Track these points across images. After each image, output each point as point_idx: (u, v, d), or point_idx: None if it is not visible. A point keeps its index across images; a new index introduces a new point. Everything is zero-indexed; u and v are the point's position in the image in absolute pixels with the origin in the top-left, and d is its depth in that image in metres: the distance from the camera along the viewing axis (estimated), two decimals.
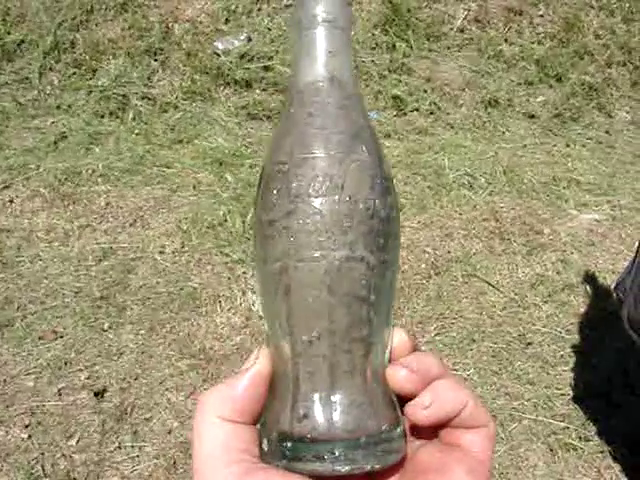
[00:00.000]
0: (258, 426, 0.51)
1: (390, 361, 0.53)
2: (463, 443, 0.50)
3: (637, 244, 1.79)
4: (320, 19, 0.53)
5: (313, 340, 0.49)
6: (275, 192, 0.50)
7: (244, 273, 2.95)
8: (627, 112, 4.65)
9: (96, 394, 2.41)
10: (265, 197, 0.51)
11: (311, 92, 0.52)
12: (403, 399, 0.51)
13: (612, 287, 1.95)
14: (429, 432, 0.52)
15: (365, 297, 0.50)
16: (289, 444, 0.49)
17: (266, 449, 0.50)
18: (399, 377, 0.50)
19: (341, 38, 0.54)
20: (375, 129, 0.54)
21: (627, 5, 4.94)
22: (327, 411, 0.49)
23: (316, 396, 0.50)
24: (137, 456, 2.20)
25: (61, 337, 2.65)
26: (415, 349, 0.53)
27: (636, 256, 1.75)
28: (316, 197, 0.49)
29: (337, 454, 0.48)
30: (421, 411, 0.49)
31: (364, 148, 0.51)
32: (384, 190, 0.51)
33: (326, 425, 0.49)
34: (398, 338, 0.53)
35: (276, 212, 0.50)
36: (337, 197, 0.49)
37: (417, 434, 0.53)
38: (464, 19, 5.06)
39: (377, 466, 0.49)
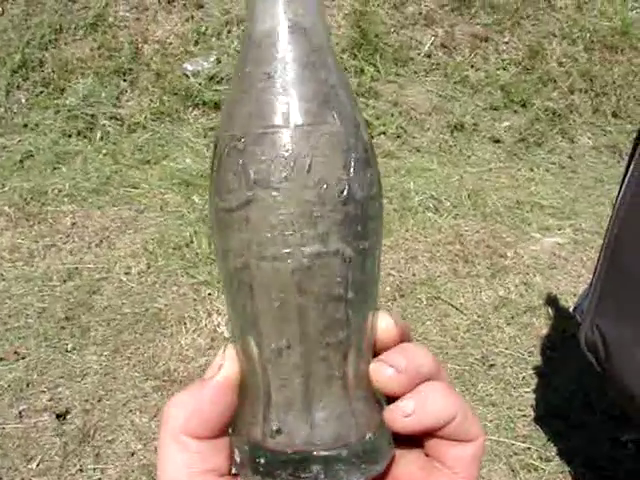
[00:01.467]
0: (230, 431, 0.46)
1: (375, 352, 0.46)
2: (447, 461, 0.46)
3: (594, 267, 1.82)
4: None
5: (283, 348, 0.43)
6: (231, 175, 0.43)
7: (210, 294, 2.95)
8: (589, 138, 4.75)
9: (58, 416, 2.38)
10: (220, 179, 0.44)
11: (268, 45, 0.43)
12: (387, 397, 0.46)
13: (572, 309, 1.99)
14: (412, 439, 0.47)
15: (341, 296, 0.43)
16: (262, 460, 0.44)
17: (238, 460, 0.45)
18: (384, 377, 0.44)
19: None
20: (351, 87, 0.46)
21: (588, 34, 5.06)
22: (303, 425, 0.44)
23: (290, 409, 0.44)
24: (99, 479, 2.18)
25: (23, 358, 2.62)
26: (404, 338, 0.47)
27: (593, 279, 1.79)
28: (279, 182, 0.41)
29: (316, 471, 0.43)
30: (401, 419, 0.44)
31: (335, 115, 0.43)
32: (362, 164, 0.43)
33: (302, 440, 0.44)
34: (384, 324, 0.46)
35: (233, 199, 0.43)
36: (304, 181, 0.41)
37: (398, 439, 0.47)
38: (431, 45, 5.14)
39: (361, 479, 0.44)
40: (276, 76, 0.43)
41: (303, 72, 0.43)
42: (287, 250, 0.42)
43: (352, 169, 0.43)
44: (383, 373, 0.44)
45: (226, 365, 0.45)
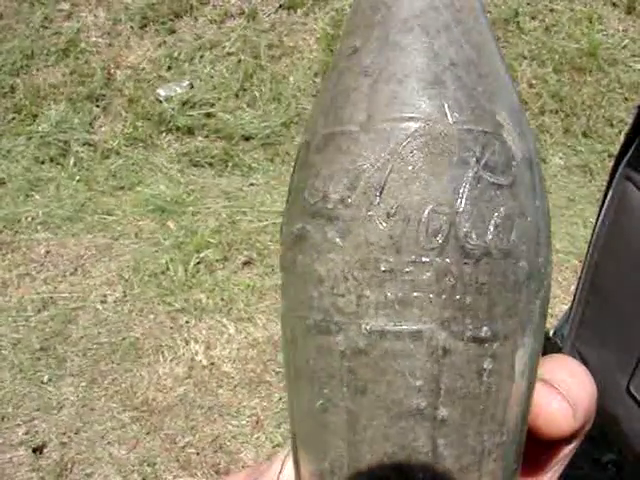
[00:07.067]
0: None
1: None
2: None
3: (574, 291, 1.83)
4: None
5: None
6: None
7: (187, 322, 2.92)
8: (560, 158, 4.80)
9: (34, 450, 2.34)
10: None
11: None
12: None
13: (551, 333, 2.00)
14: None
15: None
16: None
17: None
18: None
19: None
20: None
21: (557, 56, 5.13)
22: None
23: None
24: None
25: None
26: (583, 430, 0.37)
27: (573, 303, 1.80)
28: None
29: None
30: None
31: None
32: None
33: None
34: (554, 406, 0.33)
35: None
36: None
37: None
38: None
39: None
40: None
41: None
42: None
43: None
44: None
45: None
